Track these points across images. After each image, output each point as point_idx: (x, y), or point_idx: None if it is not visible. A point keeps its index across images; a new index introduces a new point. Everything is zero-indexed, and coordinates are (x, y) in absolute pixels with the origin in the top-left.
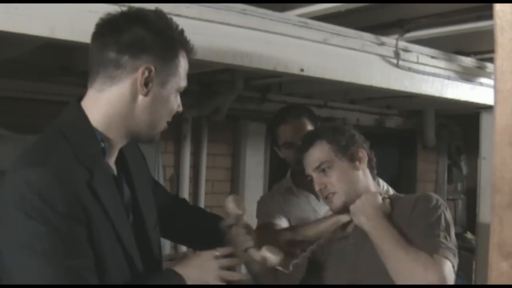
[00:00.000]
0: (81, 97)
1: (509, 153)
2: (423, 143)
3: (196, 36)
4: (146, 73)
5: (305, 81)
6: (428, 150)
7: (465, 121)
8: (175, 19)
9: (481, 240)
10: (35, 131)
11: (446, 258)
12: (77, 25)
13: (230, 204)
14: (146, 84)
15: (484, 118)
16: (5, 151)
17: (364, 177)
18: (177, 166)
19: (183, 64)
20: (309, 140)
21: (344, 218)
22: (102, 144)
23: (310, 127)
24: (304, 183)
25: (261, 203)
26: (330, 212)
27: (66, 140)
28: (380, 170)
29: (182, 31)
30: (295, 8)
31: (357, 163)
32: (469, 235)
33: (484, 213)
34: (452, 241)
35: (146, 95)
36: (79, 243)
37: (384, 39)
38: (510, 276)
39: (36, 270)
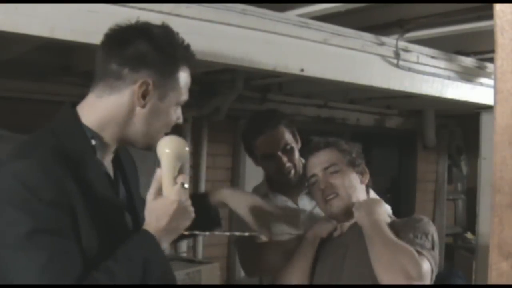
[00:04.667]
0: (76, 100)
1: (509, 153)
2: (423, 143)
3: (196, 36)
4: (144, 87)
5: (305, 81)
6: (428, 150)
7: (465, 121)
8: (175, 19)
9: (481, 240)
10: (35, 131)
11: (428, 259)
12: (77, 25)
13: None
14: (143, 96)
15: (484, 118)
16: (5, 151)
17: (364, 193)
18: None
19: (184, 80)
20: (320, 145)
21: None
22: (93, 142)
23: (288, 135)
24: (280, 188)
25: None
26: (307, 218)
27: (55, 136)
28: (380, 170)
29: (187, 47)
30: (295, 8)
31: (361, 176)
32: (469, 235)
33: (484, 213)
34: (436, 255)
35: (143, 107)
36: (63, 229)
37: (384, 39)
38: (510, 276)
39: (22, 253)
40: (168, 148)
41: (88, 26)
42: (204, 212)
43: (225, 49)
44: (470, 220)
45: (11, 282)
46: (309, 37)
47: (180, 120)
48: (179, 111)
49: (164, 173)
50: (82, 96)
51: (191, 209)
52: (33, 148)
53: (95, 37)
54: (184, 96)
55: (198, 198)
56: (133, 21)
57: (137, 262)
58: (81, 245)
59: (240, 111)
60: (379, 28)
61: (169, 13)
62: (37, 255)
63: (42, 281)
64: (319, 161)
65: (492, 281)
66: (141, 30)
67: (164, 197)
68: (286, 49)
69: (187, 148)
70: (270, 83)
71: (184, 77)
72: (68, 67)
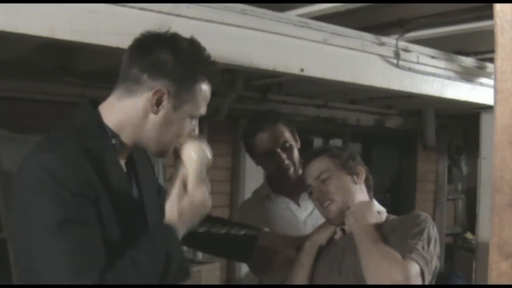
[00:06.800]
0: (92, 98)
1: (509, 153)
2: (423, 143)
3: (196, 36)
4: (158, 95)
5: (305, 81)
6: (428, 150)
7: (465, 121)
8: (175, 19)
9: (481, 240)
10: (35, 131)
11: (415, 261)
12: (77, 25)
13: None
14: (157, 104)
15: (484, 118)
16: (5, 151)
17: (361, 192)
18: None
19: (203, 94)
20: (312, 154)
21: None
22: (113, 141)
23: (287, 133)
24: (282, 189)
25: (242, 214)
26: (309, 218)
27: (77, 132)
28: (380, 170)
29: (211, 63)
30: (295, 8)
31: (355, 177)
32: (469, 235)
33: (484, 213)
34: (428, 253)
35: (156, 113)
36: (89, 219)
37: (384, 39)
38: (510, 276)
39: (50, 242)
40: (195, 154)
41: (88, 26)
42: (247, 247)
43: (225, 49)
44: (470, 220)
45: (37, 271)
46: (309, 37)
47: (195, 133)
48: (194, 123)
49: (191, 176)
50: (82, 96)
51: (210, 205)
52: (60, 143)
53: (95, 37)
54: (201, 111)
55: (251, 238)
56: (163, 30)
57: (161, 254)
58: (105, 235)
59: (240, 111)
60: (379, 28)
61: (169, 13)
62: (65, 244)
63: (69, 269)
64: (310, 171)
65: (492, 281)
66: (166, 40)
67: (192, 197)
68: (286, 49)
69: (210, 157)
70: (270, 83)
71: (203, 91)
72: (68, 67)
